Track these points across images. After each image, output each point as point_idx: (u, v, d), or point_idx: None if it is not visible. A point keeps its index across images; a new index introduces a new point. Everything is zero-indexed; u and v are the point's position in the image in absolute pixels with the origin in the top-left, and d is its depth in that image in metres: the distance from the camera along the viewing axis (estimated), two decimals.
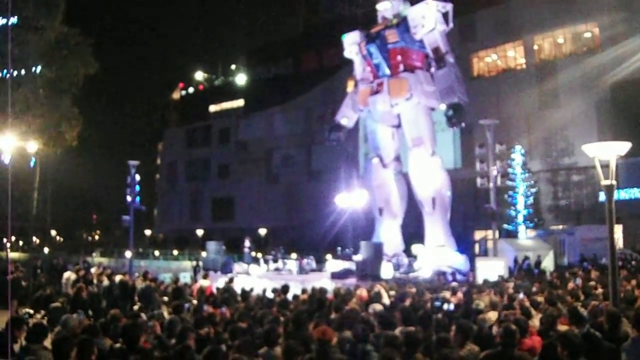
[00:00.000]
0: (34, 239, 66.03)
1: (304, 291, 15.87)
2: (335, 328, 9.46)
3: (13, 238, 59.13)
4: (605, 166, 10.70)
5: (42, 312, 16.79)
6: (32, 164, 31.89)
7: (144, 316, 11.18)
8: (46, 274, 29.41)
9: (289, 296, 15.43)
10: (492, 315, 11.07)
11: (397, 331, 8.51)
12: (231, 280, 21.10)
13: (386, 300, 13.81)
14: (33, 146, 22.41)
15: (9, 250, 33.93)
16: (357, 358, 7.43)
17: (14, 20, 36.71)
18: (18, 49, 36.30)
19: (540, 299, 12.39)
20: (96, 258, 55.41)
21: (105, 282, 20.79)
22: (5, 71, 37.79)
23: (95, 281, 20.84)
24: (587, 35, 51.24)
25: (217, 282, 21.30)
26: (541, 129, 50.55)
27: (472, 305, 11.83)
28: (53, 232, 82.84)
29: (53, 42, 40.84)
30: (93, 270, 26.14)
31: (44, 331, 8.45)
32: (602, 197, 38.03)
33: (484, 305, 11.76)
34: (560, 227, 45.18)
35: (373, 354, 7.81)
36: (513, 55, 56.22)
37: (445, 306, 11.65)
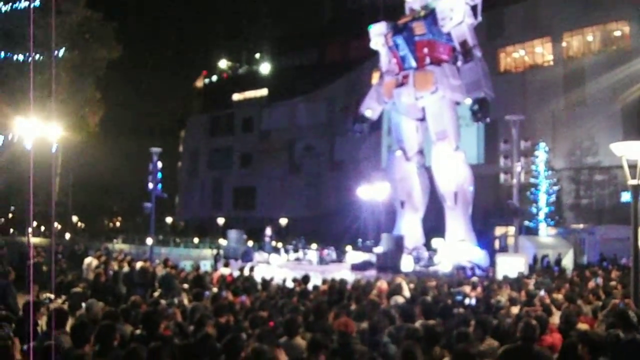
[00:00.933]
0: (56, 224, 66.42)
1: (324, 282, 15.87)
2: (355, 319, 9.45)
3: (35, 224, 59.63)
4: (632, 166, 10.58)
5: (63, 297, 16.94)
6: (54, 149, 32.02)
7: (164, 303, 11.22)
8: (67, 260, 29.62)
9: (309, 286, 15.43)
10: (513, 311, 11.02)
11: (418, 324, 8.47)
12: (252, 269, 21.15)
13: (407, 293, 13.76)
14: (55, 131, 22.49)
15: (30, 235, 34.18)
16: (373, 349, 7.39)
17: (36, 3, 36.84)
18: (40, 32, 36.38)
19: (559, 296, 12.28)
20: (117, 245, 55.70)
21: (126, 268, 20.87)
22: (27, 54, 37.95)
23: (116, 267, 20.91)
24: (617, 33, 50.55)
25: (235, 270, 21.30)
26: (566, 127, 50.08)
27: (492, 300, 11.77)
28: (74, 218, 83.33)
29: (76, 26, 40.92)
30: (114, 256, 26.37)
31: (64, 316, 8.49)
32: (624, 197, 37.70)
33: (504, 300, 11.69)
34: (581, 226, 44.82)
35: (390, 345, 7.79)
36: (541, 51, 55.64)
37: (467, 301, 11.59)
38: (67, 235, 61.98)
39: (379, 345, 7.78)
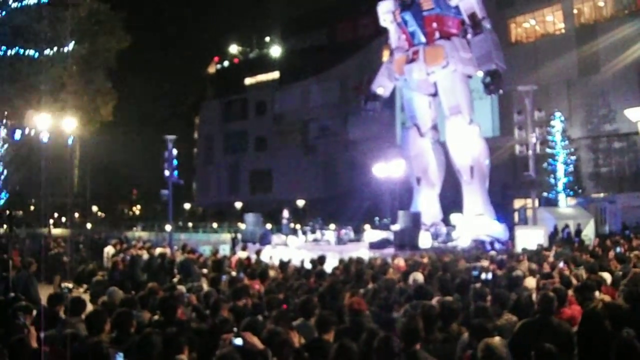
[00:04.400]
0: (76, 215, 66.95)
1: (341, 261, 15.86)
2: (370, 298, 9.44)
3: (55, 215, 60.16)
4: None
5: (85, 286, 17.08)
6: (69, 141, 32.21)
7: (182, 288, 11.27)
8: (88, 249, 29.87)
9: (328, 267, 15.43)
10: (530, 283, 10.95)
11: (434, 301, 8.42)
12: (258, 252, 21.22)
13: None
14: (70, 123, 22.61)
15: (51, 226, 34.48)
16: (385, 327, 7.36)
17: None
18: (49, 27, 36.48)
19: (580, 271, 12.14)
20: (137, 232, 56.11)
21: (145, 255, 21.01)
22: (38, 50, 38.05)
23: (134, 254, 21.06)
24: None
25: (252, 253, 21.38)
26: (581, 95, 49.68)
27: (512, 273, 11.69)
28: (94, 208, 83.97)
29: (84, 18, 40.94)
30: (133, 243, 26.57)
31: (82, 304, 8.57)
32: None
33: (521, 273, 11.60)
34: (601, 195, 44.50)
35: (402, 320, 7.79)
36: (552, 20, 55.04)
37: (483, 275, 11.52)
38: (88, 225, 62.50)
39: (390, 323, 7.77)
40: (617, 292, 9.66)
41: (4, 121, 40.35)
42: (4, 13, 38.31)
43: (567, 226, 33.06)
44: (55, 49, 38.66)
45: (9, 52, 38.27)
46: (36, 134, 30.50)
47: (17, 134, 40.38)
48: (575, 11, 52.84)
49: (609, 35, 48.58)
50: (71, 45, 39.92)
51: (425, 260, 15.54)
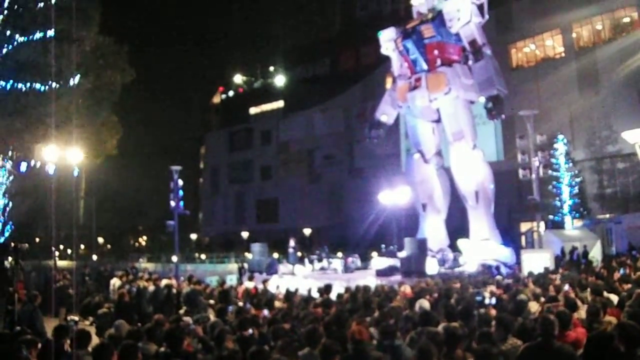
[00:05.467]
0: (82, 247, 67.00)
1: (347, 290, 15.86)
2: (376, 325, 9.45)
3: (61, 246, 60.15)
4: None
5: (91, 318, 17.08)
6: (75, 173, 32.38)
7: (188, 319, 11.29)
8: (94, 282, 29.86)
9: (335, 295, 15.41)
10: (534, 307, 10.95)
11: (440, 327, 8.45)
12: (265, 281, 21.22)
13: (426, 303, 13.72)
14: (76, 156, 22.75)
15: (57, 259, 34.51)
16: (387, 353, 7.38)
17: (51, 33, 37.20)
18: (55, 61, 36.77)
19: (586, 294, 12.16)
20: (143, 264, 56.05)
21: (151, 287, 21.02)
22: (44, 84, 38.34)
23: (141, 286, 21.09)
24: (626, 20, 50.29)
25: (259, 283, 21.39)
26: (583, 117, 49.76)
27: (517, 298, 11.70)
28: (100, 240, 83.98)
29: (89, 52, 41.32)
30: (139, 275, 26.57)
31: (87, 337, 8.60)
32: None
33: (525, 297, 11.62)
34: (607, 216, 44.37)
35: (406, 349, 7.80)
36: (551, 44, 55.38)
37: (487, 300, 11.55)
38: (94, 257, 62.46)
39: (393, 349, 7.79)
40: (622, 314, 9.67)
41: (10, 153, 40.56)
42: (10, 47, 38.65)
43: (575, 248, 32.99)
44: (61, 82, 38.95)
45: (15, 86, 38.58)
46: (42, 166, 30.63)
47: (23, 166, 40.58)
48: (574, 35, 53.17)
49: (608, 58, 48.87)
50: (77, 79, 40.22)
51: (430, 285, 15.54)
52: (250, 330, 9.45)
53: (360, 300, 13.19)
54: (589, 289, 12.61)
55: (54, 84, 38.10)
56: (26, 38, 38.87)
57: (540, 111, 33.38)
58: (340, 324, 9.40)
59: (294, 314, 11.61)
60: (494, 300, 11.51)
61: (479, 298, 11.94)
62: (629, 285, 13.27)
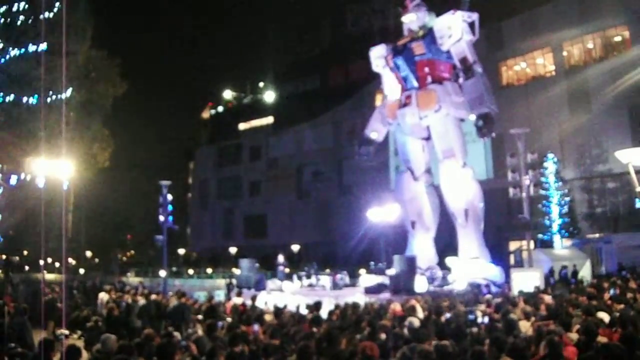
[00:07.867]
0: (70, 260, 66.60)
1: (336, 307, 15.79)
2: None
3: (49, 260, 59.85)
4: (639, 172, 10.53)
5: (79, 332, 16.94)
6: (65, 186, 32.25)
7: (178, 335, 11.20)
8: (82, 295, 29.65)
9: (324, 312, 15.35)
10: (525, 325, 10.92)
11: (430, 345, 8.41)
12: (254, 297, 21.10)
13: (420, 314, 13.69)
14: (66, 169, 22.62)
15: (45, 272, 34.27)
16: None
17: (43, 46, 37.18)
18: (47, 74, 36.76)
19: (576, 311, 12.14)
20: (131, 278, 55.73)
21: (142, 301, 20.89)
22: (36, 97, 38.27)
23: (129, 301, 20.95)
24: (617, 39, 50.52)
25: (248, 299, 21.27)
26: (573, 136, 49.91)
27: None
28: (88, 253, 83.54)
29: (81, 65, 41.33)
30: (126, 289, 26.40)
31: (77, 352, 8.51)
32: (639, 203, 37.53)
33: (516, 317, 11.59)
34: (597, 235, 44.44)
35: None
36: (542, 62, 55.61)
37: (479, 319, 11.52)
38: (82, 271, 62.08)
39: None
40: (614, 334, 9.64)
41: (0, 166, 40.39)
42: (2, 61, 38.60)
43: (564, 267, 32.98)
44: (52, 95, 38.91)
45: (7, 99, 38.50)
46: (32, 179, 30.48)
47: (13, 180, 40.39)
48: (565, 53, 53.42)
49: (599, 77, 49.08)
50: (69, 92, 40.17)
51: (418, 303, 15.49)
52: (241, 347, 9.38)
53: (350, 318, 13.13)
54: (579, 309, 12.57)
55: (45, 97, 38.05)
56: (19, 51, 38.83)
57: (531, 129, 33.40)
58: (331, 341, 9.35)
59: (284, 330, 11.53)
60: (486, 319, 11.45)
61: (471, 317, 11.90)
62: (622, 306, 13.25)
